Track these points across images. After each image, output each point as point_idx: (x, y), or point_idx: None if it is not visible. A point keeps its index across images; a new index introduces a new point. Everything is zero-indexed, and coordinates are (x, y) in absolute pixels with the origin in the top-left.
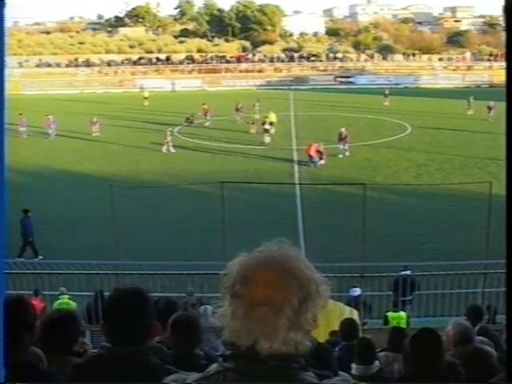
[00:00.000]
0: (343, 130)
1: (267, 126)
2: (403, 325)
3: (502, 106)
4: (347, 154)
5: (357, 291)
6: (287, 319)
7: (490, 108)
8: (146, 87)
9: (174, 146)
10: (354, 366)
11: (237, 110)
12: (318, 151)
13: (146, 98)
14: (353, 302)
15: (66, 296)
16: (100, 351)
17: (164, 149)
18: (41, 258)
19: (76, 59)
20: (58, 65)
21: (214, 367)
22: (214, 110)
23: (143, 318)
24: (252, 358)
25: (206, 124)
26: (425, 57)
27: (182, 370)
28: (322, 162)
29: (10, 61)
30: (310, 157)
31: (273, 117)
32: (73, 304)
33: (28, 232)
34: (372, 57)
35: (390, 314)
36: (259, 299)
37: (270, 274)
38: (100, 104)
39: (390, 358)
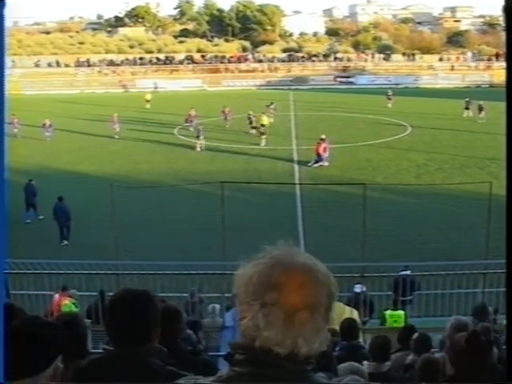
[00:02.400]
0: (323, 136)
1: (262, 129)
2: (401, 323)
3: (491, 105)
4: (325, 163)
5: (359, 288)
6: (322, 319)
7: (480, 108)
8: (144, 87)
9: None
10: (365, 363)
11: (223, 112)
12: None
13: (148, 101)
14: (353, 300)
15: (71, 299)
16: (101, 353)
17: (198, 148)
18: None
19: (78, 59)
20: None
21: (225, 372)
22: (214, 110)
23: (141, 321)
24: (267, 361)
25: (191, 129)
26: (425, 57)
27: (169, 359)
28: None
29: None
30: (319, 155)
31: (265, 119)
32: (74, 308)
33: (66, 216)
34: (387, 59)
35: (388, 312)
36: (296, 304)
37: (300, 277)
38: (105, 106)
39: (400, 359)
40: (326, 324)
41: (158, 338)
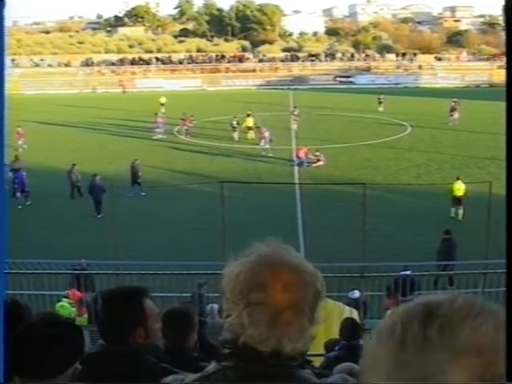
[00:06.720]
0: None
1: (253, 132)
2: None
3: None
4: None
5: (356, 293)
6: (308, 318)
7: (453, 109)
8: (144, 87)
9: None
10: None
11: (181, 120)
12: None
13: (162, 105)
14: (352, 305)
15: (66, 300)
16: (96, 349)
17: (236, 138)
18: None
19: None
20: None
21: (212, 367)
22: (214, 110)
23: (119, 319)
24: (251, 356)
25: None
26: (424, 56)
27: (172, 363)
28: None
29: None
30: (299, 158)
31: (250, 121)
32: (69, 308)
33: (98, 192)
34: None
35: (389, 312)
36: (281, 305)
37: (286, 277)
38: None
39: None
40: (311, 324)
41: (143, 337)
